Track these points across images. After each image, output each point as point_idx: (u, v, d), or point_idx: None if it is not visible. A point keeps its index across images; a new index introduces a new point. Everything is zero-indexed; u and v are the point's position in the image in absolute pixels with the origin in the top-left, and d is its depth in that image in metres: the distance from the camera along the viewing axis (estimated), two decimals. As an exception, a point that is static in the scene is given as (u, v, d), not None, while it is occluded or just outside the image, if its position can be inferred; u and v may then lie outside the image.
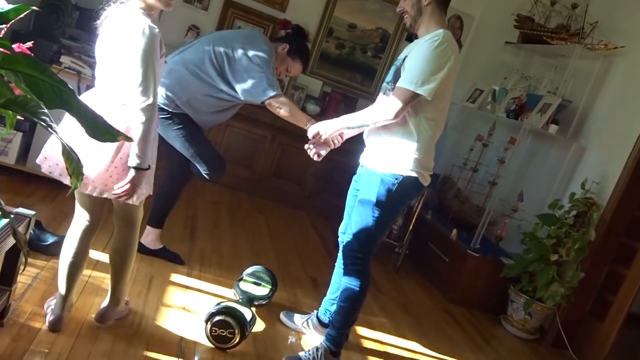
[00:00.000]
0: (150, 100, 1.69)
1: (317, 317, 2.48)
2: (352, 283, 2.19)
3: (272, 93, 2.42)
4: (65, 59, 2.97)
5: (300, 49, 2.73)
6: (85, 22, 3.67)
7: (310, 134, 2.24)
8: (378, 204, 2.10)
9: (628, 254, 3.18)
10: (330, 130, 2.19)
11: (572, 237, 3.18)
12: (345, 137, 2.28)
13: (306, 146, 2.27)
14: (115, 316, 2.06)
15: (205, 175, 2.62)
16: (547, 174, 3.76)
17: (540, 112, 3.62)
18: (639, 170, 3.17)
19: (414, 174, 2.09)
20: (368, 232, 2.13)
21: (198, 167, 2.61)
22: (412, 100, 2.00)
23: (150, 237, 2.73)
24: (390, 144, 2.12)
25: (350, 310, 2.24)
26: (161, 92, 2.38)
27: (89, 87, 3.07)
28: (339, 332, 2.25)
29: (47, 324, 1.89)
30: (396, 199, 2.12)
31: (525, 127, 3.62)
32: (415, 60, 2.01)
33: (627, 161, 3.21)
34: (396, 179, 2.08)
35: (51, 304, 1.95)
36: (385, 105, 2.04)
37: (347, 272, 2.21)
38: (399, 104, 1.99)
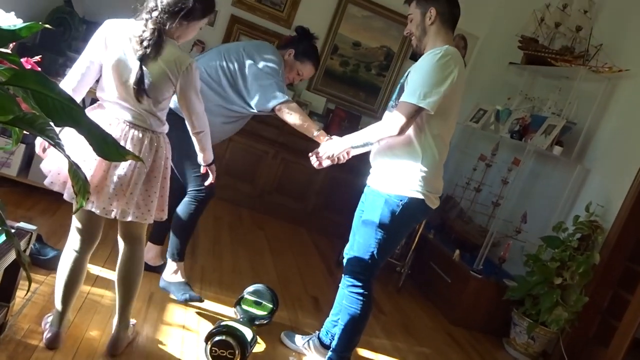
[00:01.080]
0: (205, 128, 2.01)
1: (319, 338, 2.44)
2: (353, 306, 2.15)
3: (282, 98, 2.42)
4: (70, 72, 2.96)
5: (307, 50, 2.68)
6: (92, 36, 3.67)
7: (322, 152, 2.24)
8: (381, 225, 2.07)
9: (633, 279, 3.14)
10: (338, 150, 2.20)
11: (576, 261, 3.15)
12: (352, 154, 2.28)
13: (310, 154, 2.28)
14: (127, 341, 2.00)
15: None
16: (551, 196, 3.74)
17: (545, 133, 3.61)
18: (644, 194, 3.15)
19: (420, 196, 2.06)
20: (370, 254, 2.10)
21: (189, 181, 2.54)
22: (415, 115, 1.97)
23: (151, 253, 2.70)
24: (394, 164, 2.09)
25: (352, 334, 2.20)
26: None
27: (94, 100, 3.07)
28: (340, 355, 2.21)
29: (44, 341, 1.85)
30: (400, 221, 2.08)
31: (530, 149, 3.60)
32: (416, 74, 2.00)
33: (632, 184, 3.19)
34: (401, 200, 2.05)
35: (49, 320, 1.92)
36: (388, 121, 2.02)
37: (348, 295, 2.17)
38: (402, 119, 1.96)
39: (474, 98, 4.79)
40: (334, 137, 2.30)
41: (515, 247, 3.68)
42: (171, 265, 2.58)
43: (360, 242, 2.13)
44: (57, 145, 0.94)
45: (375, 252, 2.10)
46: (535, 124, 3.78)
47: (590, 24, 3.83)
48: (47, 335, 1.85)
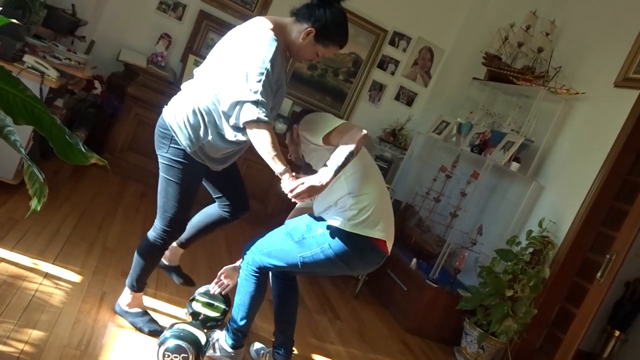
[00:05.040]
0: None
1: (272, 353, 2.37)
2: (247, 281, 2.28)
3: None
4: (28, 59, 2.83)
5: (332, 29, 2.04)
6: (53, 21, 3.53)
7: (314, 183, 1.89)
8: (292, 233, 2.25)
9: (579, 294, 3.27)
10: (327, 179, 1.90)
11: (527, 274, 3.25)
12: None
13: (289, 187, 1.95)
14: None
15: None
16: (506, 210, 3.85)
17: (504, 149, 3.72)
18: (592, 213, 3.29)
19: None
20: (271, 252, 2.30)
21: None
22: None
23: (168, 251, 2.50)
24: None
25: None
26: None
27: (52, 89, 2.95)
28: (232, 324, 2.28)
29: None
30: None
31: (489, 163, 3.70)
32: None
33: (582, 204, 3.32)
34: None
35: None
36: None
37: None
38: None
39: (437, 109, 4.88)
40: (299, 176, 1.97)
41: (470, 258, 3.77)
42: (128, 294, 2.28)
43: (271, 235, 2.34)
44: (16, 144, 0.90)
45: (271, 252, 2.28)
46: (495, 140, 3.88)
47: (551, 47, 3.98)
48: None
